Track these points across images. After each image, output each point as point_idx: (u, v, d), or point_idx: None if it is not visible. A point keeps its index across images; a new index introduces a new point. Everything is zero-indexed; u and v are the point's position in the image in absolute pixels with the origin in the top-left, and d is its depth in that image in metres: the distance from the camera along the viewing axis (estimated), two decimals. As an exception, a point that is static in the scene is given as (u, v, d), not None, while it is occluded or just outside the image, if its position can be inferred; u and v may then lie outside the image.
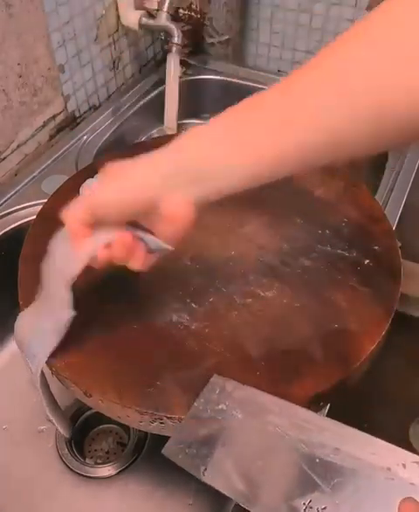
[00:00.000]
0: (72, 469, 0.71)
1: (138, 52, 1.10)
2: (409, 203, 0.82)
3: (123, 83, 1.08)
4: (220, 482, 0.42)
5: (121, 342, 0.55)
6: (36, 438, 0.74)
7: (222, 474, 0.42)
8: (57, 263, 0.50)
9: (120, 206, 0.44)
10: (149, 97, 1.05)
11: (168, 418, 0.49)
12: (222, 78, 1.10)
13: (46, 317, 0.53)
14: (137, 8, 0.97)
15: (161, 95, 0.98)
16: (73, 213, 0.45)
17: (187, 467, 0.45)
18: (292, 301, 0.58)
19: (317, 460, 0.41)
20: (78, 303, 0.52)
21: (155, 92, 1.06)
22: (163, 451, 0.45)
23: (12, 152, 0.87)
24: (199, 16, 1.04)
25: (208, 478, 0.43)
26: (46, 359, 0.52)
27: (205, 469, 0.43)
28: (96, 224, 0.45)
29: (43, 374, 0.54)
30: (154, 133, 1.08)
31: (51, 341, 0.53)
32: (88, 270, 0.62)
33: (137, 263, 0.46)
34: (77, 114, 0.99)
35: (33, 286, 0.61)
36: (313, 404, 0.53)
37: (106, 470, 0.71)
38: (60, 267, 0.49)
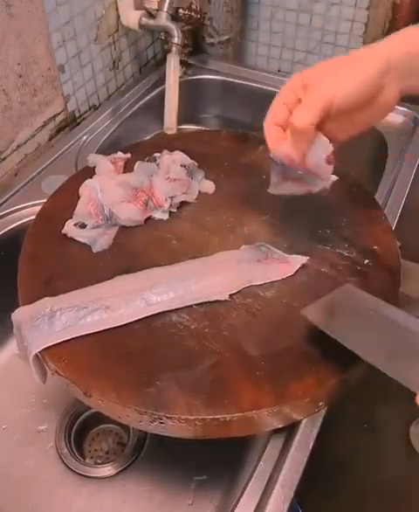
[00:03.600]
0: (72, 469, 0.71)
1: (138, 52, 1.10)
2: (409, 203, 0.82)
3: (123, 83, 1.08)
4: None
5: (121, 342, 0.55)
6: (36, 438, 0.74)
7: None
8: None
9: (357, 94, 0.51)
10: (149, 97, 1.05)
11: (167, 417, 0.49)
12: (222, 78, 1.10)
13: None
14: (137, 8, 0.97)
15: (161, 95, 0.97)
16: (309, 114, 0.51)
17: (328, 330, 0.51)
18: (292, 301, 0.58)
19: None
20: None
21: (155, 92, 1.06)
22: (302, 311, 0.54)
23: (12, 152, 0.87)
24: (199, 16, 1.04)
25: None
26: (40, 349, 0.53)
27: None
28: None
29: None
30: (154, 133, 1.08)
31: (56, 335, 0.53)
32: (90, 270, 0.63)
33: None
34: (77, 114, 0.99)
35: (33, 285, 0.61)
36: (313, 404, 0.53)
37: (106, 470, 0.71)
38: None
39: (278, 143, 0.54)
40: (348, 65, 0.52)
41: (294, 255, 0.62)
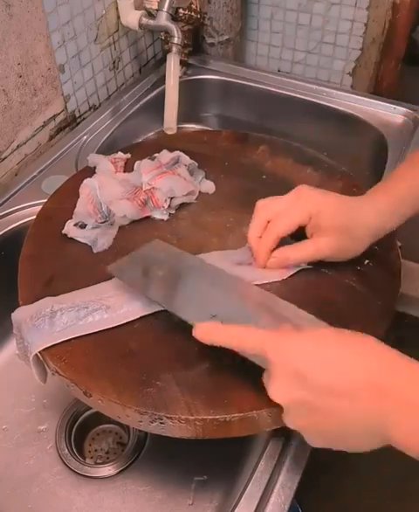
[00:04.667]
0: (72, 469, 0.71)
1: (138, 52, 1.10)
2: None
3: (123, 83, 1.08)
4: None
5: (122, 342, 0.55)
6: (36, 438, 0.74)
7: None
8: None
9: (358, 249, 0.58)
10: (149, 97, 1.05)
11: (167, 417, 0.49)
12: (222, 78, 1.10)
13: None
14: (137, 8, 0.97)
15: (161, 95, 0.97)
16: (305, 254, 0.58)
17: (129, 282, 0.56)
18: (292, 302, 0.58)
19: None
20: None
21: (155, 92, 1.06)
22: (108, 268, 0.58)
23: (12, 152, 0.87)
24: (199, 16, 1.04)
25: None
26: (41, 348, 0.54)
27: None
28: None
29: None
30: (154, 133, 1.08)
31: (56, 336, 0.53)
32: (90, 270, 0.63)
33: None
34: (77, 114, 0.99)
35: (33, 285, 0.61)
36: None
37: (106, 470, 0.71)
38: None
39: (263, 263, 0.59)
40: (360, 226, 0.56)
41: None
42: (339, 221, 0.55)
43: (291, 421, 0.43)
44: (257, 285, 0.59)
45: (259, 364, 0.44)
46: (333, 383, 0.39)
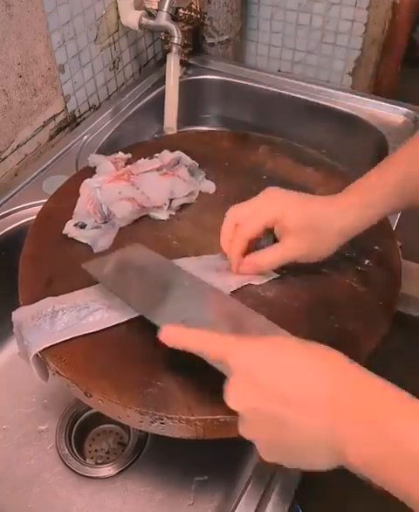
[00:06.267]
0: (72, 469, 0.71)
1: (138, 52, 1.10)
2: (409, 203, 0.82)
3: (123, 83, 1.08)
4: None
5: (121, 342, 0.55)
6: (36, 438, 0.74)
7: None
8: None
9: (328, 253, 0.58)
10: (149, 97, 1.05)
11: (168, 418, 0.49)
12: (222, 78, 1.10)
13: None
14: (137, 8, 0.97)
15: (161, 95, 0.97)
16: (274, 260, 0.57)
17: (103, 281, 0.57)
18: (292, 301, 0.58)
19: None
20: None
21: (155, 92, 1.06)
22: (84, 265, 0.58)
23: (12, 152, 0.87)
24: (199, 16, 1.04)
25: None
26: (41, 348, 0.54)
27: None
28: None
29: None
30: (154, 133, 1.08)
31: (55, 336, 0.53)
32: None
33: None
34: (77, 115, 0.99)
35: (33, 285, 0.61)
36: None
37: (107, 470, 0.71)
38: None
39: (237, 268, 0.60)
40: (319, 228, 0.56)
41: None
42: (304, 222, 0.55)
43: (245, 431, 0.42)
44: (258, 285, 0.59)
45: (221, 371, 0.43)
46: (288, 393, 0.38)
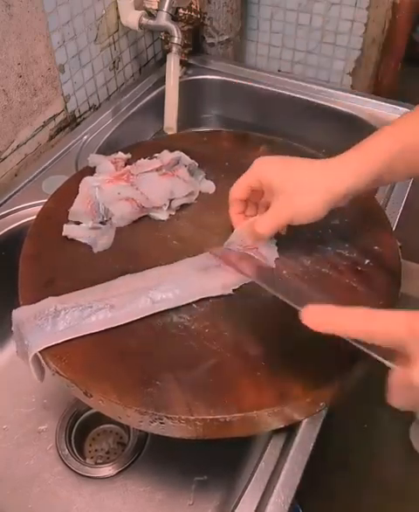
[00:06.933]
0: (72, 469, 0.71)
1: (138, 52, 1.10)
2: (409, 203, 0.82)
3: (123, 83, 1.08)
4: None
5: (122, 343, 0.55)
6: (36, 438, 0.74)
7: None
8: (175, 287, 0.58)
9: (313, 219, 0.57)
10: (149, 97, 1.05)
11: (168, 417, 0.49)
12: (222, 78, 1.10)
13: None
14: (137, 8, 0.97)
15: (161, 95, 0.97)
16: (270, 225, 0.57)
17: None
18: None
19: None
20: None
21: (155, 92, 1.06)
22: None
23: (12, 152, 0.87)
24: (199, 16, 1.04)
25: None
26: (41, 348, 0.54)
27: None
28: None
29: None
30: (154, 133, 1.08)
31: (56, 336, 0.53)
32: (91, 270, 0.63)
33: None
34: (77, 114, 0.99)
35: (33, 285, 0.61)
36: (314, 404, 0.53)
37: (107, 470, 0.71)
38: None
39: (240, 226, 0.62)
40: (310, 187, 0.55)
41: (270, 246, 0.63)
42: (289, 183, 0.56)
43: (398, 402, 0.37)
44: (253, 285, 0.59)
45: (386, 360, 0.37)
46: None
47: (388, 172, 0.55)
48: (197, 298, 0.58)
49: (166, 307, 0.56)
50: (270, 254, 0.62)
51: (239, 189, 0.60)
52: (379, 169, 0.54)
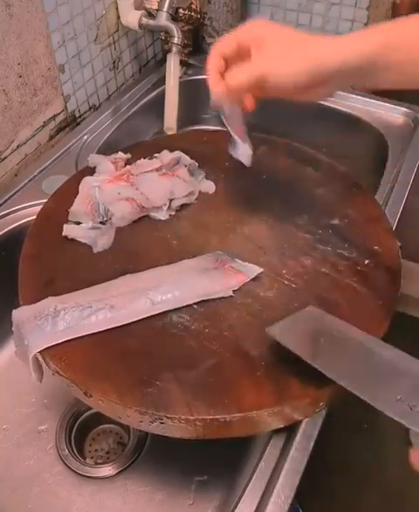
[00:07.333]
0: (72, 469, 0.71)
1: (138, 52, 1.10)
2: (409, 203, 0.82)
3: (123, 83, 1.08)
4: None
5: (122, 343, 0.55)
6: (36, 438, 0.74)
7: None
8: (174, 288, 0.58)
9: (308, 78, 0.51)
10: (149, 97, 1.05)
11: (167, 417, 0.49)
12: (222, 78, 1.10)
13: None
14: (137, 8, 0.97)
15: (161, 95, 0.97)
16: (245, 76, 0.52)
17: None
18: (292, 301, 0.58)
19: None
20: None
21: (155, 92, 1.06)
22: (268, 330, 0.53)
23: (12, 152, 0.87)
24: (199, 16, 1.04)
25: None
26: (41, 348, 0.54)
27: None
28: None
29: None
30: (154, 133, 1.08)
31: (55, 336, 0.53)
32: (91, 270, 0.63)
33: None
34: (77, 114, 0.99)
35: (33, 285, 0.61)
36: (313, 404, 0.53)
37: (107, 470, 0.71)
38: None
39: (215, 88, 0.58)
40: (300, 49, 0.52)
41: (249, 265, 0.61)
42: (278, 42, 0.53)
43: None
44: (258, 285, 0.59)
45: None
46: None
47: (383, 59, 0.50)
48: (197, 300, 0.58)
49: (165, 309, 0.56)
50: (244, 151, 0.59)
51: (226, 42, 0.54)
52: (375, 50, 0.50)
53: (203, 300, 0.58)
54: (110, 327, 0.55)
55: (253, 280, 0.60)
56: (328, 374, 0.48)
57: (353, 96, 1.03)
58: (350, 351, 0.51)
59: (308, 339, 0.52)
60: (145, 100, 1.04)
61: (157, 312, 0.56)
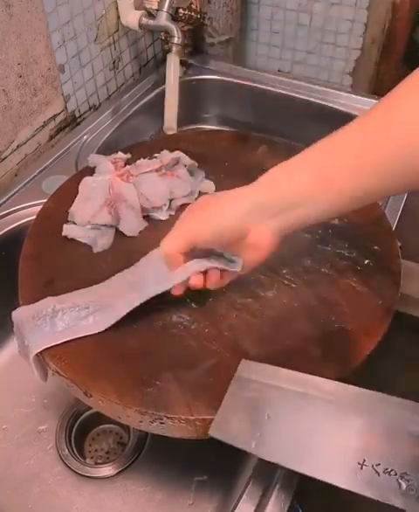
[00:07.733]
0: (72, 469, 0.71)
1: (138, 52, 1.10)
2: (409, 203, 0.82)
3: (123, 83, 1.08)
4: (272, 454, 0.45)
5: (122, 343, 0.55)
6: (36, 438, 0.74)
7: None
8: (145, 279, 0.55)
9: (215, 238, 0.50)
10: (149, 97, 1.05)
11: (167, 417, 0.49)
12: (222, 78, 1.10)
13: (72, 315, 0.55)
14: (137, 8, 0.97)
15: (161, 95, 0.97)
16: (172, 243, 0.51)
17: (236, 443, 0.46)
18: (292, 301, 0.59)
19: None
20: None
21: (155, 92, 1.06)
22: (211, 432, 0.48)
23: (12, 152, 0.87)
24: (199, 16, 1.04)
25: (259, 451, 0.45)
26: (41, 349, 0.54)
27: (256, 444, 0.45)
28: (190, 251, 0.51)
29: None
30: (154, 133, 1.08)
31: (54, 337, 0.53)
32: (91, 271, 0.63)
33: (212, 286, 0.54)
34: (77, 114, 0.99)
35: (33, 285, 0.61)
36: (313, 404, 0.53)
37: (107, 470, 0.71)
38: (146, 284, 0.54)
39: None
40: (208, 213, 0.50)
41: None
42: (199, 205, 0.52)
43: None
44: (258, 285, 0.59)
45: None
46: None
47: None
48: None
49: (154, 294, 0.54)
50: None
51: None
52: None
53: (203, 300, 0.58)
54: (108, 326, 0.55)
55: (253, 279, 0.60)
56: (274, 461, 0.44)
57: (354, 96, 1.03)
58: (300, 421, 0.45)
59: (250, 422, 0.46)
60: (145, 100, 1.04)
61: (146, 299, 0.54)
